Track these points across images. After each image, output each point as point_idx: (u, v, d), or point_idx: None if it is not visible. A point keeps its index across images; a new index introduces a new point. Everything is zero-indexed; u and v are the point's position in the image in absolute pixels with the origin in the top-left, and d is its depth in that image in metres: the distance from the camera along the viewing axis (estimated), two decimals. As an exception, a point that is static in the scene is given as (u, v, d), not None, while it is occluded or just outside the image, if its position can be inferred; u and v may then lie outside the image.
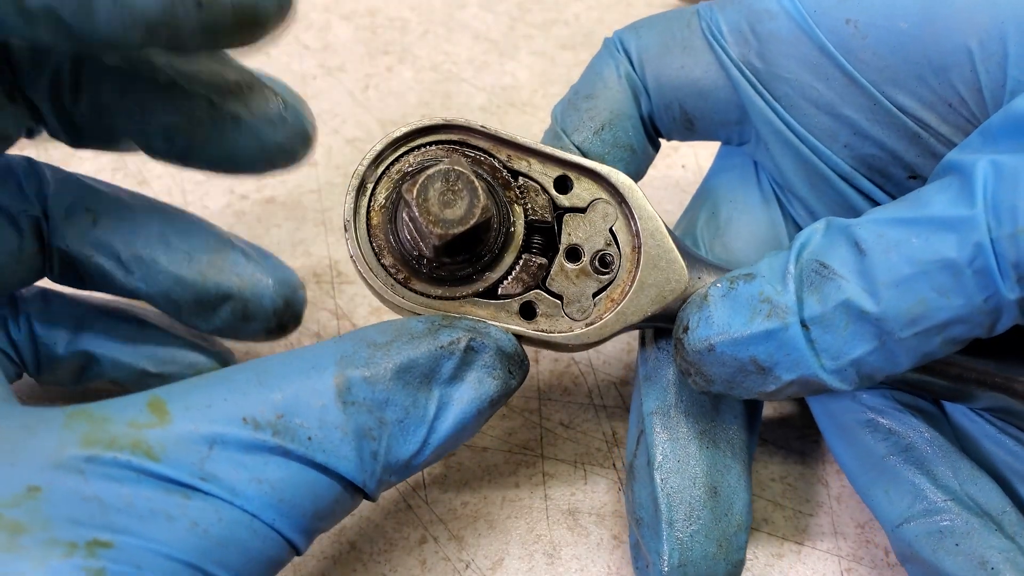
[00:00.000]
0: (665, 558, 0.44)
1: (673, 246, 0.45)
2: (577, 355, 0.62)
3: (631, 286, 0.45)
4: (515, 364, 0.43)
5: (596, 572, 0.52)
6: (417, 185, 0.41)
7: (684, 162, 0.76)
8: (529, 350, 0.62)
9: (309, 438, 0.36)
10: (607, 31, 0.53)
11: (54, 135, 0.49)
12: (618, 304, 0.45)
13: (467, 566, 0.52)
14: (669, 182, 0.74)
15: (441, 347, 0.40)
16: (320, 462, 0.36)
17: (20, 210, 0.48)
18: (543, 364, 0.62)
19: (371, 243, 0.44)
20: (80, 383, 0.54)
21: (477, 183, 0.41)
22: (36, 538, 0.30)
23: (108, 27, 0.39)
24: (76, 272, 0.50)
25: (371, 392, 0.38)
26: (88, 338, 0.52)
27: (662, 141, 0.55)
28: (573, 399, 0.60)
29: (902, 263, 0.37)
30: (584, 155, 0.49)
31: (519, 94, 0.82)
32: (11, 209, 0.47)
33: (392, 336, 0.40)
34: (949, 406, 0.49)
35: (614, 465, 0.57)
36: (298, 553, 0.37)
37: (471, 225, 0.41)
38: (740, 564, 0.46)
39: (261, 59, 0.87)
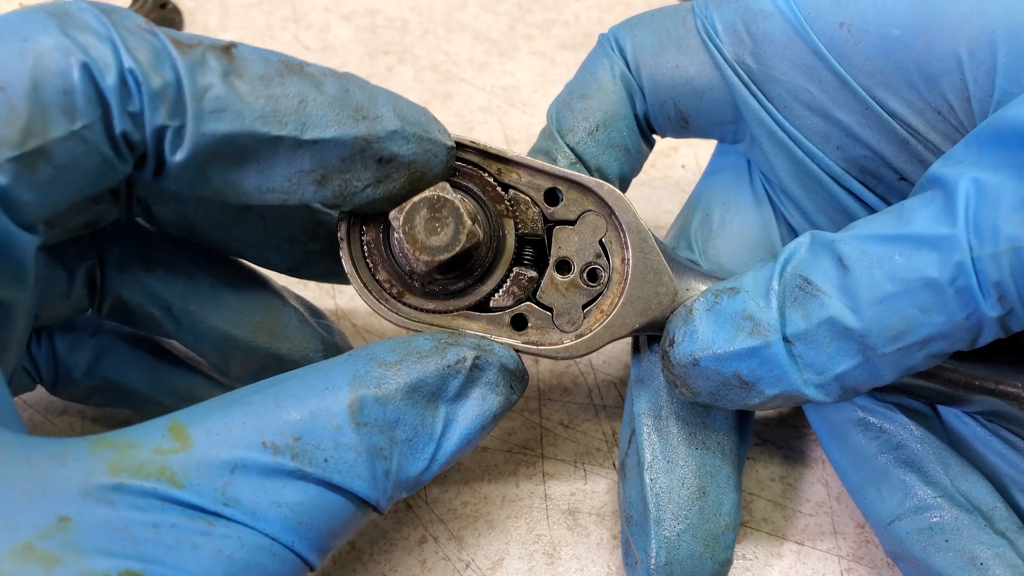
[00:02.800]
0: (653, 556, 0.45)
1: (662, 258, 0.45)
2: (577, 355, 0.63)
3: (620, 298, 0.46)
4: (516, 379, 0.44)
5: (596, 572, 0.52)
6: (404, 213, 0.42)
7: (684, 162, 0.76)
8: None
9: (325, 460, 0.36)
10: (607, 31, 0.53)
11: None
12: (607, 316, 0.46)
13: (467, 566, 0.52)
14: (669, 182, 0.74)
15: (448, 366, 0.41)
16: (337, 483, 0.37)
17: (75, 258, 0.48)
18: (543, 364, 0.62)
19: (365, 259, 0.45)
20: (93, 404, 0.54)
21: (463, 209, 0.42)
22: (70, 570, 0.30)
23: (282, 176, 0.39)
24: (125, 316, 0.50)
25: (382, 412, 0.38)
26: (108, 364, 0.52)
27: (662, 142, 0.55)
28: (573, 399, 0.60)
29: (885, 280, 0.38)
30: (579, 156, 0.49)
31: (519, 94, 0.82)
32: (66, 256, 0.48)
33: (401, 355, 0.40)
34: (941, 408, 0.49)
35: (614, 465, 0.57)
36: (312, 570, 0.38)
37: (457, 252, 0.42)
38: (727, 563, 0.47)
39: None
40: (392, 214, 0.42)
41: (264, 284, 0.52)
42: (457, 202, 0.42)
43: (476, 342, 0.43)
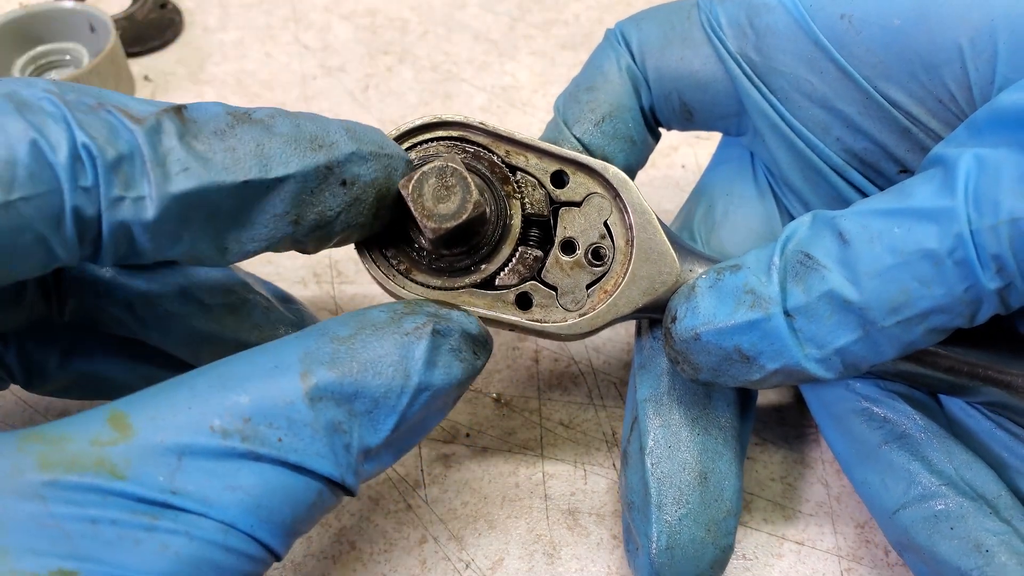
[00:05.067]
0: (654, 541, 0.45)
1: (665, 239, 0.46)
2: (577, 355, 0.62)
3: (624, 278, 0.46)
4: (480, 345, 0.43)
5: (596, 572, 0.52)
6: (412, 181, 0.42)
7: (684, 162, 0.76)
8: (529, 348, 0.63)
9: (279, 439, 0.35)
10: (607, 30, 0.54)
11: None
12: (611, 295, 0.46)
13: (467, 566, 0.52)
14: (669, 182, 0.74)
15: (406, 334, 0.39)
16: (293, 462, 0.35)
17: None
18: (543, 364, 0.62)
19: None
20: (73, 397, 0.53)
21: (470, 179, 0.42)
22: None
23: (259, 222, 0.39)
24: (89, 319, 0.48)
25: (339, 386, 0.37)
26: (81, 355, 0.50)
27: (663, 141, 0.55)
28: (573, 399, 0.60)
29: (884, 253, 0.38)
30: (585, 147, 0.50)
31: (519, 94, 0.82)
32: None
33: (355, 329, 0.39)
34: (944, 399, 0.49)
35: (614, 465, 0.57)
36: (277, 559, 0.36)
37: (464, 220, 0.42)
38: (728, 549, 0.47)
39: (260, 59, 0.87)
40: (401, 183, 0.43)
41: (228, 272, 0.51)
42: (465, 172, 0.42)
43: (434, 310, 0.41)
